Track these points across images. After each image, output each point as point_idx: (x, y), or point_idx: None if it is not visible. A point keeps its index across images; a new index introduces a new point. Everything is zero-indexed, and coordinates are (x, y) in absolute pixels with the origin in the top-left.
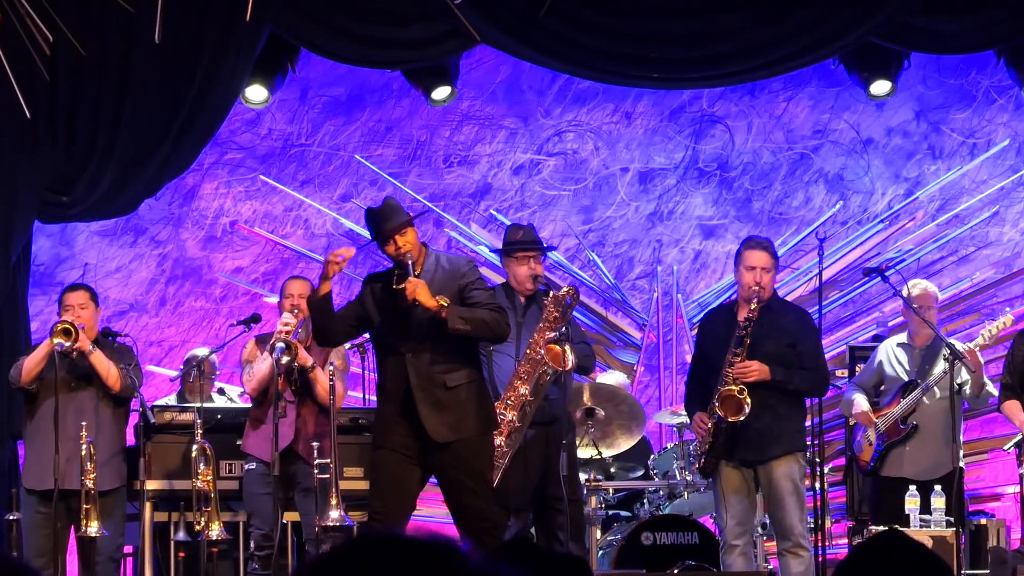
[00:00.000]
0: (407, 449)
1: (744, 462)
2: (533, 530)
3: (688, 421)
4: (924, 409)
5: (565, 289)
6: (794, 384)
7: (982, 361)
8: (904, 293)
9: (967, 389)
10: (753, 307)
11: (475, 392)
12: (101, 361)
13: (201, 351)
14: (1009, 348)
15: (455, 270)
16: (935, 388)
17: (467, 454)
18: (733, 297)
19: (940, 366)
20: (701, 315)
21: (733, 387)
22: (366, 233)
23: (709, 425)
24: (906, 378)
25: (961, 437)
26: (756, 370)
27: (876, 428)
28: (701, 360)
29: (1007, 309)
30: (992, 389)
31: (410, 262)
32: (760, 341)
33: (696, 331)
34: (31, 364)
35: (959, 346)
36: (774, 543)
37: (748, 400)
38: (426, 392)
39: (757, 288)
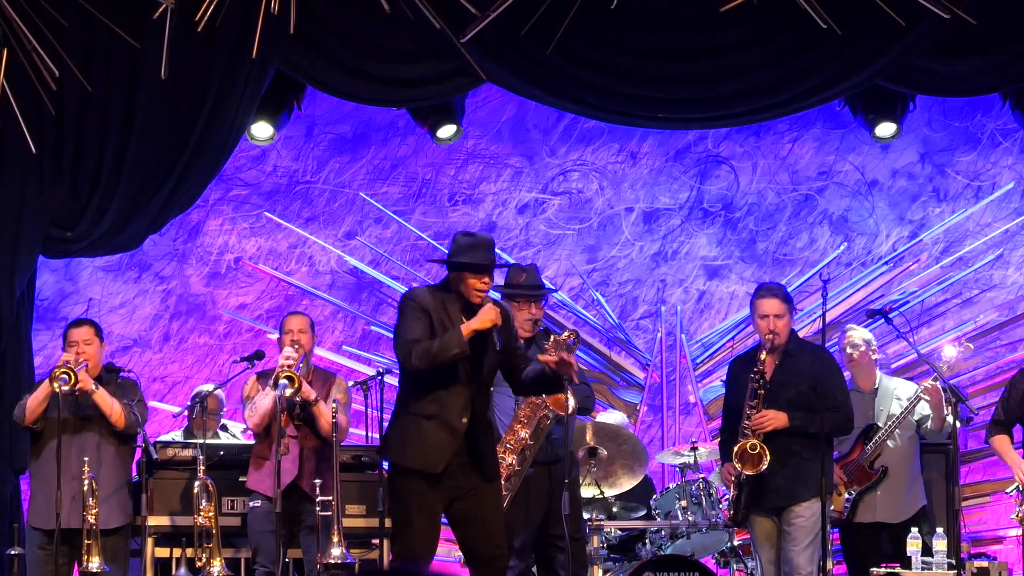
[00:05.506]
0: (452, 486)
1: (773, 510)
2: (535, 569)
3: (692, 461)
4: (889, 452)
5: (567, 333)
6: (815, 427)
7: (943, 394)
8: (844, 343)
9: (929, 424)
10: (763, 357)
11: None
12: (104, 399)
13: (207, 387)
14: (1007, 385)
15: (513, 325)
16: (897, 429)
17: (499, 495)
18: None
19: (896, 406)
20: (705, 355)
21: (746, 442)
22: (369, 271)
23: (734, 478)
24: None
25: (948, 475)
26: (772, 419)
27: (842, 478)
28: (728, 411)
29: (963, 339)
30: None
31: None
32: (780, 388)
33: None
34: (33, 404)
35: (926, 382)
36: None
37: (766, 453)
38: (484, 432)
39: (771, 336)
